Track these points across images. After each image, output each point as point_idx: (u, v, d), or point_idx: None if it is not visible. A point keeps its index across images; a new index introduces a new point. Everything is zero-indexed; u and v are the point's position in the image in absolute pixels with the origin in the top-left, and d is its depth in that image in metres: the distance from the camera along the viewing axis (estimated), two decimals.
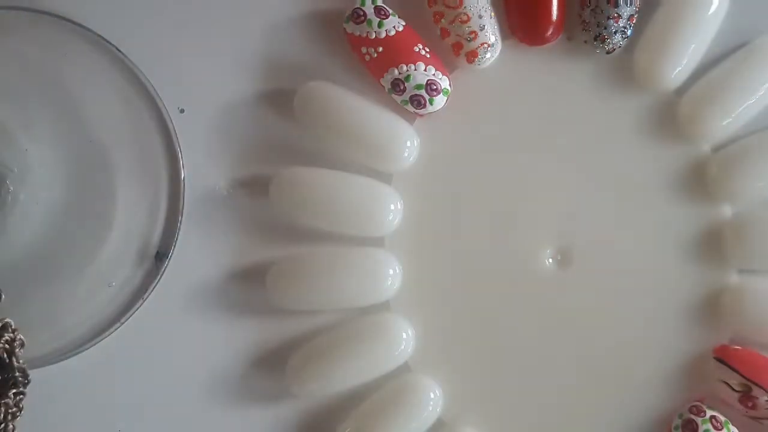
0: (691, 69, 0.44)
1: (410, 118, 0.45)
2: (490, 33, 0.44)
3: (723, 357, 0.43)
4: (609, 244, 0.45)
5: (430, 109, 0.44)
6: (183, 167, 0.45)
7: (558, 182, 0.45)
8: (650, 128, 0.45)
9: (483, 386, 0.45)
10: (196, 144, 0.45)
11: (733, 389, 0.43)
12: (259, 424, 0.45)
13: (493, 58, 0.45)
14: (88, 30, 0.44)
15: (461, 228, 0.45)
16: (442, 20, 0.44)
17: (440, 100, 0.44)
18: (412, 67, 0.44)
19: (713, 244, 0.44)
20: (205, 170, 0.45)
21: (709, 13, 0.44)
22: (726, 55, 0.45)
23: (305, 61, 0.45)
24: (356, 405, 0.45)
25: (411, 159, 0.45)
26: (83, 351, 0.44)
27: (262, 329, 0.45)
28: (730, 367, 0.43)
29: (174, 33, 0.45)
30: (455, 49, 0.44)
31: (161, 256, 0.45)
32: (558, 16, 0.44)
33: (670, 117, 0.45)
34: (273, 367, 0.45)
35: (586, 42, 0.45)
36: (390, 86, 0.44)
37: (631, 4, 0.44)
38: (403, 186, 0.45)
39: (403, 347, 0.44)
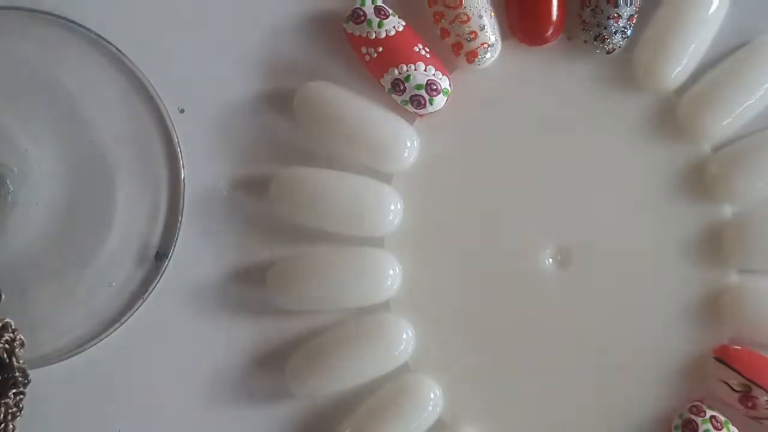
0: (691, 69, 0.44)
1: (410, 118, 0.45)
2: (490, 33, 0.44)
3: (723, 357, 0.43)
4: (609, 244, 0.45)
5: (430, 109, 0.44)
6: (183, 167, 0.45)
7: (558, 182, 0.45)
8: (650, 128, 0.45)
9: (483, 386, 0.45)
10: (196, 144, 0.45)
11: (733, 389, 0.43)
12: (259, 424, 0.45)
13: (493, 58, 0.45)
14: (88, 30, 0.44)
15: (461, 228, 0.45)
16: (442, 20, 0.44)
17: (440, 100, 0.44)
18: (412, 67, 0.44)
19: (713, 244, 0.44)
20: (205, 170, 0.45)
21: (709, 13, 0.44)
22: (726, 55, 0.45)
23: (305, 61, 0.45)
24: (356, 405, 0.45)
25: (411, 159, 0.45)
26: (83, 351, 0.44)
27: (262, 329, 0.45)
28: (730, 367, 0.43)
29: (174, 33, 0.45)
30: (455, 49, 0.44)
31: (161, 256, 0.45)
32: (558, 16, 0.44)
33: (670, 117, 0.45)
34: (273, 367, 0.45)
35: (586, 42, 0.45)
36: (390, 86, 0.44)
37: (631, 4, 0.44)
38: (403, 186, 0.45)
39: (403, 347, 0.44)
